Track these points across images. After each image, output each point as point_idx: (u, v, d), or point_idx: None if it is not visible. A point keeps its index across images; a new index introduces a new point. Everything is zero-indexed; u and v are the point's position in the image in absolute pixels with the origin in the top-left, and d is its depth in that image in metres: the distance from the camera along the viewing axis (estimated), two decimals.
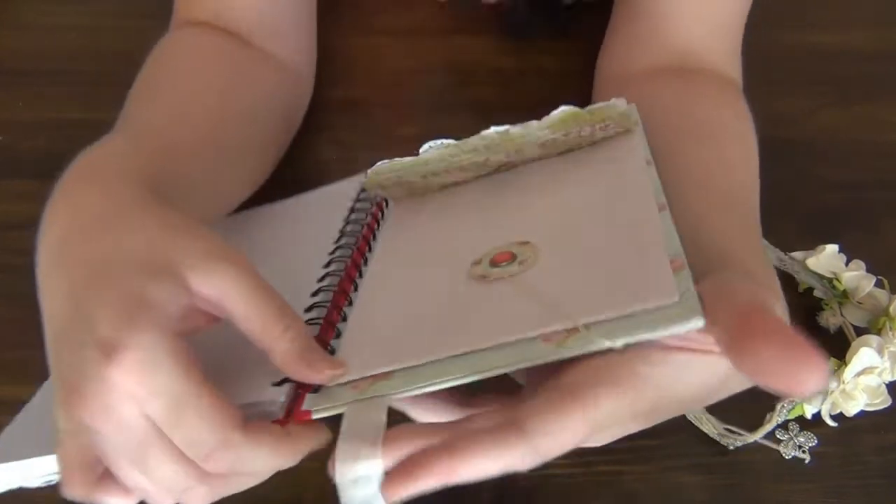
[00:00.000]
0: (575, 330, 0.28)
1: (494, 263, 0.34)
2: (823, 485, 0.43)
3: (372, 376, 0.30)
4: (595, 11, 0.58)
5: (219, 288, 0.29)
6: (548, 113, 0.38)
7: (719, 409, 0.45)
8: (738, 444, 0.44)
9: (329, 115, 0.58)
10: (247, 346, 0.30)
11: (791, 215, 0.53)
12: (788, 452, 0.44)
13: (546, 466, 0.44)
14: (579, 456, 0.44)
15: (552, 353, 0.28)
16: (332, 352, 0.33)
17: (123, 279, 0.28)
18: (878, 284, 0.48)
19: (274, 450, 0.29)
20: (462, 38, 0.64)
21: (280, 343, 0.30)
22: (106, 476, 0.30)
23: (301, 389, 0.31)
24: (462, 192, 0.42)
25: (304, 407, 0.30)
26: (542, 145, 0.40)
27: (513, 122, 0.39)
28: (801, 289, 0.50)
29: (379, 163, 0.40)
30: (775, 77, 0.62)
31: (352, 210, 0.44)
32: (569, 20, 0.62)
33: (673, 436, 0.45)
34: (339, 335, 0.34)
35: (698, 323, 0.26)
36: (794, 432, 0.44)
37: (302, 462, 0.38)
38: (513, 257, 0.34)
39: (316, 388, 0.31)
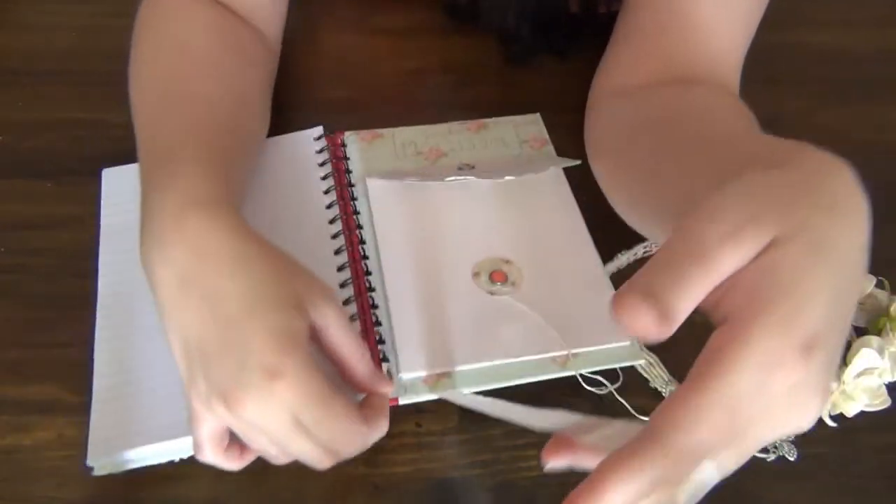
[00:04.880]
0: (567, 356, 0.43)
1: (493, 281, 0.47)
2: (823, 485, 0.43)
3: (437, 374, 0.43)
4: (593, 32, 0.58)
5: (325, 320, 0.39)
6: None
7: None
8: None
9: (329, 115, 0.58)
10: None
11: None
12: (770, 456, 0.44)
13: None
14: None
15: (558, 371, 0.43)
16: (382, 340, 0.45)
17: (269, 314, 0.37)
18: (879, 284, 0.48)
19: (379, 428, 0.40)
20: (461, 38, 0.64)
21: (361, 365, 0.41)
22: (229, 445, 0.39)
23: None
24: (437, 190, 0.52)
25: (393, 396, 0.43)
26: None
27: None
28: None
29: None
30: (775, 77, 0.62)
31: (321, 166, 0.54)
32: (567, 46, 0.63)
33: None
34: (377, 323, 0.46)
35: (640, 361, 0.44)
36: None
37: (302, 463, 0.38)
38: (505, 278, 0.47)
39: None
